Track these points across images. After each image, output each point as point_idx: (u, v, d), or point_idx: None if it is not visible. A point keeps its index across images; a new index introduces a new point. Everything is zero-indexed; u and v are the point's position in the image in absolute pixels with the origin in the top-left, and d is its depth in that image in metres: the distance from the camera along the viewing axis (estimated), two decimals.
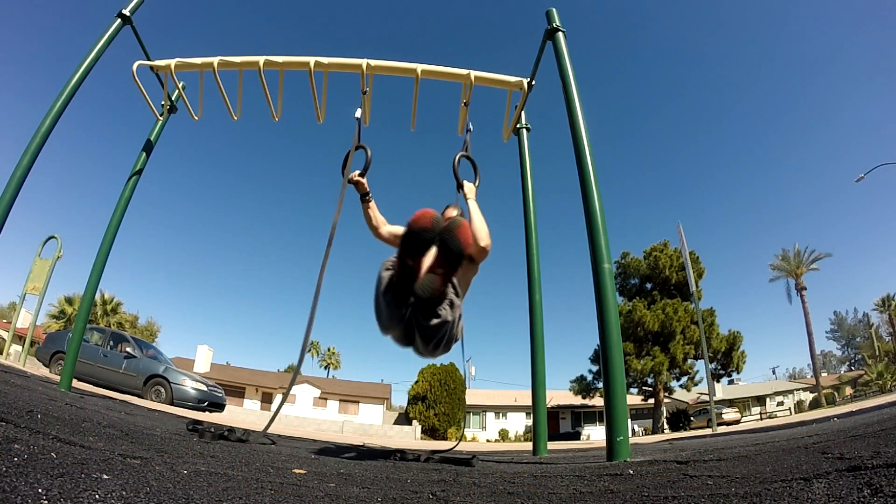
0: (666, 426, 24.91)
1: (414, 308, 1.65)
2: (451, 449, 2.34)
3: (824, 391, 28.59)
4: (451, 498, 0.98)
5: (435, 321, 1.63)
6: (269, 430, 2.44)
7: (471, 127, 2.75)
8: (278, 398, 29.64)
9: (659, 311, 23.77)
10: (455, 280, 1.70)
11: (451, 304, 1.68)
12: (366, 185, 2.18)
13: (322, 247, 2.16)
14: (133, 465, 0.92)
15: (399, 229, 2.06)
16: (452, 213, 2.06)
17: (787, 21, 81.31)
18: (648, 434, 24.23)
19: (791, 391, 32.52)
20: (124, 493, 0.68)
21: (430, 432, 24.95)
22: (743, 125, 78.79)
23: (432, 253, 1.69)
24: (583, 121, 2.62)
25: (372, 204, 2.16)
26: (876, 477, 0.77)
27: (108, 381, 8.59)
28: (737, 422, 22.86)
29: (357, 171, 2.22)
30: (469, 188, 2.21)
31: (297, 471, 1.26)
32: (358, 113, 2.52)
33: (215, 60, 3.58)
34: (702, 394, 28.78)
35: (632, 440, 2.62)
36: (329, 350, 53.85)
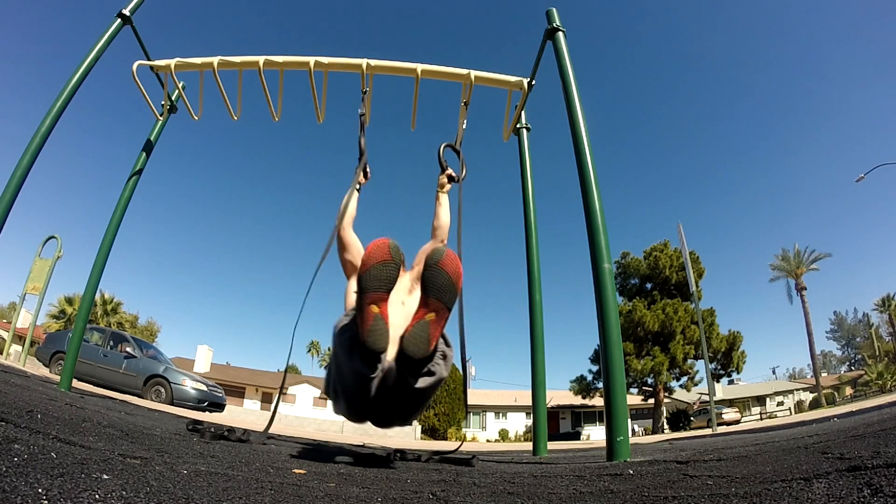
0: (666, 426, 24.91)
1: (398, 369, 1.29)
2: (454, 451, 2.33)
3: (824, 391, 28.59)
4: (451, 498, 0.98)
5: (426, 382, 1.29)
6: (269, 430, 2.44)
7: (464, 124, 2.75)
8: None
9: (659, 311, 23.77)
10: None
11: (444, 356, 1.34)
12: (362, 180, 2.21)
13: (322, 246, 2.15)
14: (133, 465, 0.92)
15: (356, 245, 1.85)
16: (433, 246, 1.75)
17: (788, 21, 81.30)
18: (648, 434, 24.22)
19: (791, 391, 32.53)
20: (124, 493, 0.68)
21: (430, 432, 24.94)
22: (743, 125, 78.83)
23: (408, 293, 1.42)
24: (583, 121, 2.62)
25: (358, 195, 2.13)
26: (876, 477, 0.77)
27: (108, 381, 8.60)
28: (737, 422, 22.86)
29: (362, 171, 2.24)
30: (443, 179, 2.18)
31: (297, 471, 1.26)
32: (361, 110, 2.55)
33: (215, 60, 3.58)
34: (702, 394, 28.78)
35: (632, 440, 2.62)
36: (329, 350, 53.79)
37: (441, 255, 1.28)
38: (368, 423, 1.51)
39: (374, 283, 1.20)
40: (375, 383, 1.31)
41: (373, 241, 1.30)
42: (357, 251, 1.82)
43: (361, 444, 3.75)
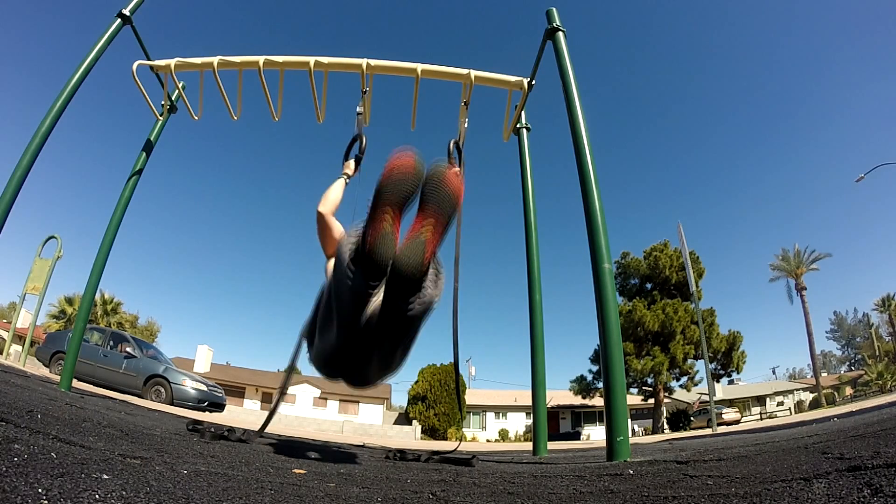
0: (666, 426, 24.92)
1: (387, 294, 1.20)
2: (453, 451, 2.34)
3: (824, 391, 28.60)
4: (451, 498, 0.98)
5: (419, 302, 1.19)
6: (268, 430, 2.44)
7: (465, 124, 2.75)
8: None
9: (659, 311, 23.78)
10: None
11: (437, 274, 1.25)
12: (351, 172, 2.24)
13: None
14: (133, 465, 0.92)
15: (338, 228, 1.87)
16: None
17: (788, 21, 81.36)
18: (648, 434, 24.23)
19: (791, 391, 32.54)
20: (124, 493, 0.68)
21: (430, 432, 24.95)
22: (743, 125, 78.84)
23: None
24: (583, 120, 2.62)
25: (345, 186, 2.16)
26: (876, 477, 0.77)
27: (108, 381, 8.60)
28: (737, 422, 22.87)
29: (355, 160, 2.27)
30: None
31: (297, 471, 1.26)
32: (359, 108, 2.55)
33: (215, 60, 3.58)
34: (702, 394, 28.79)
35: (632, 440, 2.62)
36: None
37: (443, 168, 1.21)
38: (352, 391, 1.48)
39: (393, 196, 1.15)
40: (370, 309, 1.25)
41: (399, 149, 1.22)
42: (339, 233, 1.83)
43: (361, 444, 3.75)
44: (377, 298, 1.26)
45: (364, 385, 1.56)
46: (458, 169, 1.31)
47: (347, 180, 2.20)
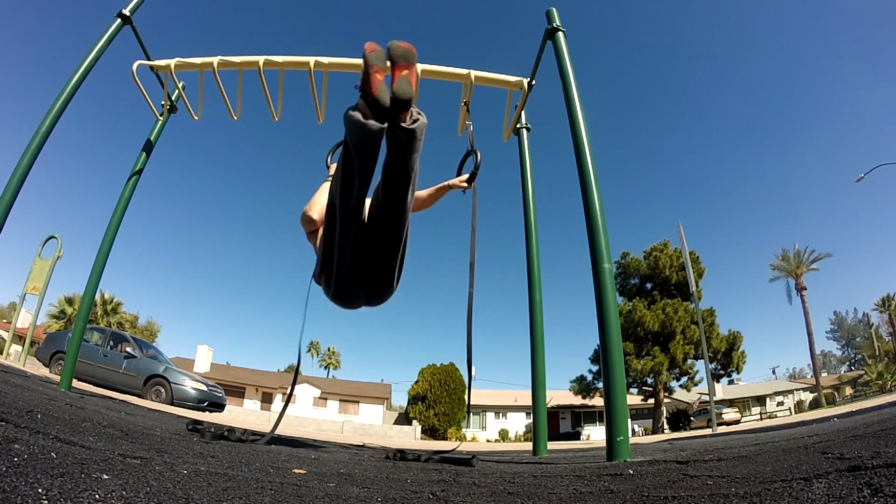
0: (666, 426, 24.92)
1: (390, 121, 1.54)
2: (453, 451, 2.34)
3: (824, 391, 28.60)
4: (451, 498, 0.98)
5: (416, 121, 1.56)
6: (274, 431, 2.45)
7: (471, 127, 2.74)
8: (278, 398, 29.64)
9: (659, 311, 23.78)
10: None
11: (419, 112, 1.62)
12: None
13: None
14: (133, 465, 0.92)
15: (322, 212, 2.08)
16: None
17: (788, 21, 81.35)
18: (648, 434, 24.23)
19: (791, 391, 32.54)
20: (124, 493, 0.68)
21: (430, 432, 24.95)
22: (743, 125, 78.86)
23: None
24: (583, 120, 2.62)
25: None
26: (876, 477, 0.77)
27: (108, 381, 8.60)
28: (737, 422, 22.87)
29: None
30: (463, 183, 2.25)
31: (297, 471, 1.26)
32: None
33: (215, 60, 3.58)
34: (702, 394, 28.80)
35: (632, 440, 2.62)
36: (329, 350, 53.87)
37: (394, 43, 1.58)
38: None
39: (375, 61, 1.52)
40: (378, 145, 1.57)
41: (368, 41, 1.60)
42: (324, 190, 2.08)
43: (361, 444, 3.75)
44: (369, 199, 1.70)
45: (385, 284, 1.81)
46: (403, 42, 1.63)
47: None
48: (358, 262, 1.74)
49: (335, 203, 1.67)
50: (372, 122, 1.51)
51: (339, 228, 1.66)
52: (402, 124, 1.54)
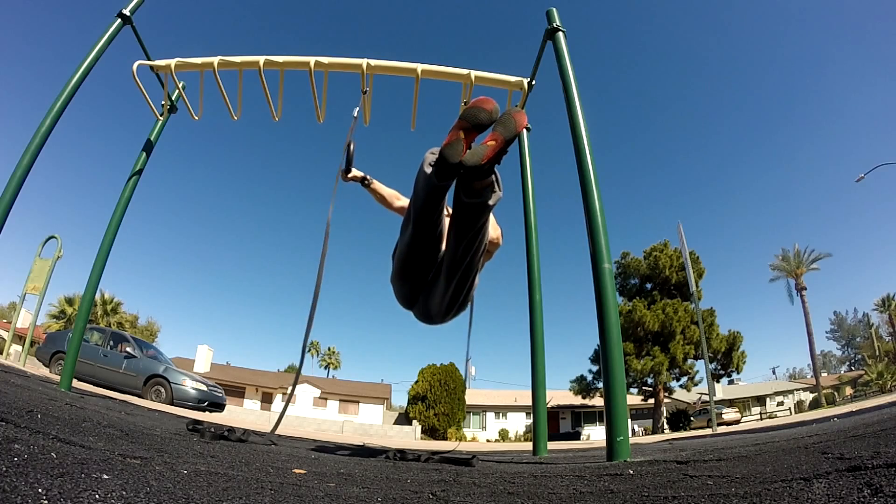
0: (666, 426, 24.92)
1: (458, 186, 1.50)
2: (453, 451, 2.34)
3: (824, 391, 28.59)
4: (451, 498, 0.98)
5: (481, 196, 1.50)
6: (275, 430, 2.45)
7: None
8: (278, 398, 29.64)
9: (659, 311, 23.78)
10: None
11: (498, 184, 1.54)
12: (358, 175, 2.18)
13: (321, 246, 2.16)
14: (133, 465, 0.92)
15: (391, 192, 2.20)
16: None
17: (788, 21, 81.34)
18: (648, 434, 24.23)
19: (791, 391, 32.52)
20: (124, 493, 0.68)
21: (430, 432, 24.94)
22: (744, 125, 78.85)
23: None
24: (583, 120, 2.62)
25: (374, 185, 2.18)
26: (876, 477, 0.77)
27: (108, 381, 8.59)
28: (737, 422, 22.86)
29: (342, 172, 2.19)
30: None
31: (297, 471, 1.26)
32: (355, 112, 2.51)
33: (215, 60, 3.58)
34: (702, 394, 28.79)
35: (632, 440, 2.62)
36: (329, 350, 53.88)
37: (514, 109, 1.50)
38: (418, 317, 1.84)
39: (466, 120, 1.44)
40: (434, 203, 1.54)
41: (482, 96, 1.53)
42: (390, 194, 2.19)
43: (361, 444, 3.75)
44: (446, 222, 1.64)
45: (432, 319, 1.84)
46: (523, 110, 1.57)
47: (369, 181, 2.17)
48: (418, 284, 1.77)
49: (411, 209, 1.63)
50: (434, 177, 1.47)
51: (409, 245, 1.66)
52: (465, 193, 1.49)
